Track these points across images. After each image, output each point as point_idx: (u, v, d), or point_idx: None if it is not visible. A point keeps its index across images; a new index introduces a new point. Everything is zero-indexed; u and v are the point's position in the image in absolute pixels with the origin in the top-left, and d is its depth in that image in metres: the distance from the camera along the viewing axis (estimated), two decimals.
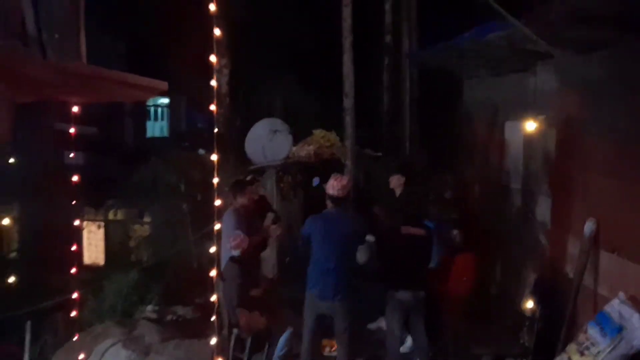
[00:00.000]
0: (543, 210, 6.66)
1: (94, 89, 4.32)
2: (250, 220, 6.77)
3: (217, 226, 5.28)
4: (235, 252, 6.18)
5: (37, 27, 3.73)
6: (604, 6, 4.27)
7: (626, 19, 4.49)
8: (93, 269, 11.11)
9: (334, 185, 5.75)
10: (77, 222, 11.89)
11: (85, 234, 12.34)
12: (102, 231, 13.44)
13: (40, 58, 3.56)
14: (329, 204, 5.84)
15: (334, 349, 6.58)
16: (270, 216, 6.89)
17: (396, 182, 7.48)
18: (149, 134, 17.95)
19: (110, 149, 14.31)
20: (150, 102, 17.31)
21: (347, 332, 5.86)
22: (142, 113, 17.24)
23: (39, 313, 8.12)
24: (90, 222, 11.85)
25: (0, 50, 3.17)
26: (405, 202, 7.58)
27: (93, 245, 13.22)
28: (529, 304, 6.55)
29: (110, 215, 10.11)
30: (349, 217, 5.93)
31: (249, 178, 7.42)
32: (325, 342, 6.67)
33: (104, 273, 9.58)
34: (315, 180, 8.46)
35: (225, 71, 9.35)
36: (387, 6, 10.38)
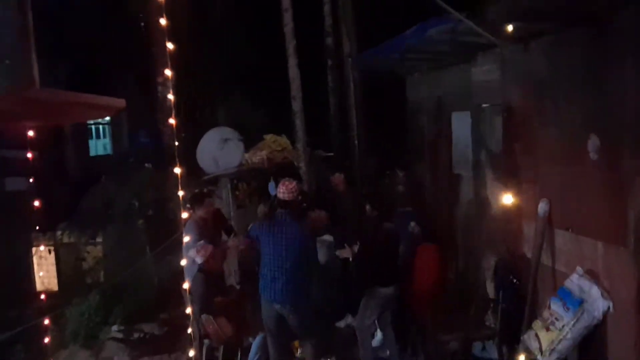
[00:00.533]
0: (496, 195, 6.89)
1: (53, 112, 4.28)
2: (211, 231, 6.83)
3: (186, 238, 5.28)
4: (199, 260, 6.19)
5: None
6: (543, 2, 4.51)
7: (563, 13, 4.75)
8: (47, 295, 10.84)
9: (280, 189, 5.89)
10: (26, 249, 11.58)
11: (35, 260, 12.01)
12: (52, 256, 13.11)
13: (3, 86, 3.54)
14: (278, 208, 5.96)
15: None
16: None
17: (337, 180, 7.80)
18: (92, 152, 17.62)
19: (54, 171, 13.97)
20: (90, 120, 16.98)
21: (306, 330, 5.97)
22: (83, 132, 16.90)
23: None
24: (40, 248, 11.55)
25: None
26: (349, 197, 7.80)
27: (45, 271, 12.88)
28: (491, 287, 6.79)
29: (65, 239, 9.88)
30: (295, 220, 5.90)
31: (205, 190, 7.48)
32: (297, 343, 6.75)
33: (61, 298, 9.38)
34: (271, 186, 8.49)
35: (169, 84, 9.29)
36: (326, 9, 10.54)
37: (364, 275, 6.34)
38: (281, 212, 5.89)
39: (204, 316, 6.28)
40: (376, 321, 6.58)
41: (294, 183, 6.02)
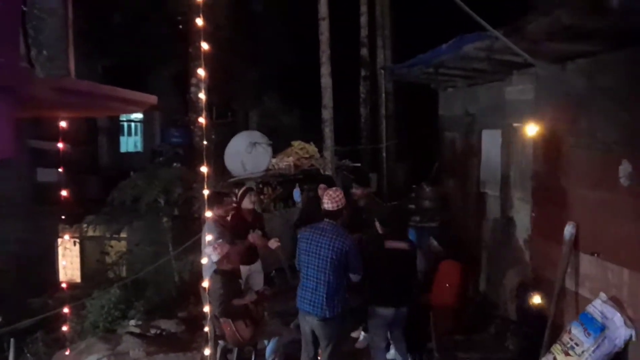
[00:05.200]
0: (522, 215, 6.81)
1: (87, 104, 4.33)
2: (233, 230, 6.83)
3: (207, 237, 5.28)
4: (214, 257, 6.15)
5: (25, 44, 3.75)
6: (583, 22, 4.44)
7: (605, 33, 4.69)
8: (69, 286, 10.98)
9: (325, 199, 5.60)
10: (52, 239, 11.73)
11: (60, 251, 12.20)
12: (77, 248, 13.29)
13: (40, 75, 3.59)
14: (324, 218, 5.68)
15: None
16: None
17: (356, 193, 7.69)
18: (123, 149, 17.87)
19: (85, 165, 14.19)
20: (123, 117, 17.25)
21: (330, 341, 5.67)
22: (115, 128, 17.15)
23: (20, 332, 8.03)
24: (65, 239, 11.71)
25: (2, 68, 3.17)
26: (368, 212, 7.69)
27: (69, 262, 13.07)
28: (513, 308, 6.69)
29: (90, 232, 10.00)
30: (338, 232, 5.53)
31: (243, 189, 7.47)
32: None
33: (82, 290, 9.49)
34: (297, 193, 8.51)
35: (203, 85, 9.41)
36: (363, 20, 10.56)
37: (364, 294, 6.02)
38: (326, 222, 5.56)
39: (222, 319, 6.25)
40: (390, 336, 6.46)
41: (339, 192, 5.64)
